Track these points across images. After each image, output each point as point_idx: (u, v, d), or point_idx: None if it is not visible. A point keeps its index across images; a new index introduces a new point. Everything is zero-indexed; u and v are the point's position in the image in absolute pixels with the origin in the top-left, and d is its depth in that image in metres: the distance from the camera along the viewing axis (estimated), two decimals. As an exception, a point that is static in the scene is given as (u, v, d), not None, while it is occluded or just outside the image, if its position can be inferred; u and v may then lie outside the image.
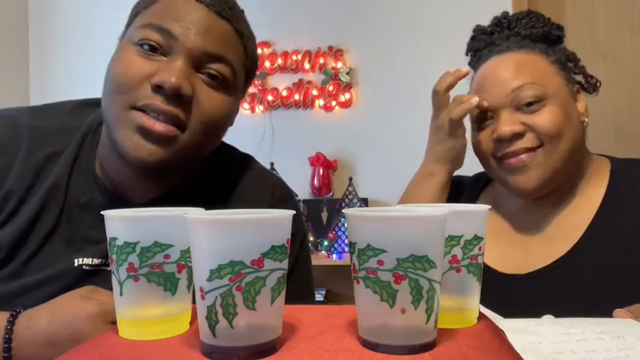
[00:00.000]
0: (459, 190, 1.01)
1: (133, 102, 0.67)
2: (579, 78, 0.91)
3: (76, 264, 0.71)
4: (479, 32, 0.97)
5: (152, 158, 0.67)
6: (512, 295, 0.83)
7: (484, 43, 0.95)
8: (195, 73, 0.69)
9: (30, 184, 0.73)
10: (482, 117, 0.88)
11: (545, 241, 0.88)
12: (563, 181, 0.87)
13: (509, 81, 0.84)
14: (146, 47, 0.68)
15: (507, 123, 0.83)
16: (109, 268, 0.72)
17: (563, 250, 0.84)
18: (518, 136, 0.83)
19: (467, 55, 1.01)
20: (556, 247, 0.85)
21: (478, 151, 0.91)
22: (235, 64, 0.73)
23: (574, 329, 0.49)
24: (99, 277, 0.71)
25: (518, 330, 0.48)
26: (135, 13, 0.74)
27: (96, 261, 0.72)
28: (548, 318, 0.58)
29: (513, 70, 0.85)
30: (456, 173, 1.01)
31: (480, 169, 0.96)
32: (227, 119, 0.76)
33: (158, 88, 0.66)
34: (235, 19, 0.73)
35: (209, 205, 0.60)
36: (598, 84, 0.92)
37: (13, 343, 0.58)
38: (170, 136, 0.67)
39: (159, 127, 0.66)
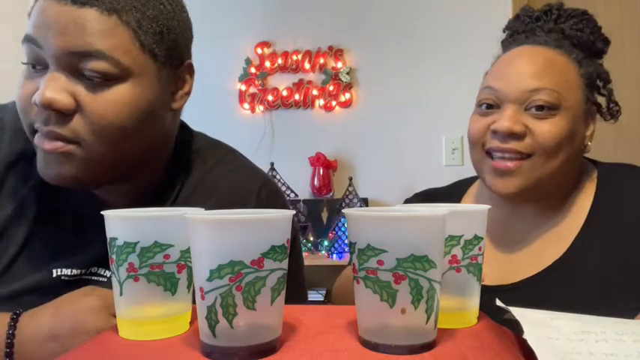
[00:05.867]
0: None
1: (31, 126, 0.64)
2: (600, 100, 0.87)
3: (54, 275, 0.69)
4: (525, 13, 0.91)
5: (61, 177, 0.64)
6: (495, 306, 0.80)
7: (524, 26, 0.90)
8: (75, 80, 0.62)
9: (3, 186, 0.71)
10: (490, 103, 0.83)
11: (531, 250, 0.85)
12: (549, 192, 0.84)
13: (530, 79, 0.79)
14: (30, 66, 0.63)
15: (509, 119, 0.79)
16: (89, 278, 0.71)
17: (550, 260, 0.81)
18: (514, 135, 0.79)
19: (504, 32, 0.96)
20: (542, 256, 0.83)
21: (470, 137, 0.86)
22: (114, 51, 0.61)
23: (594, 328, 0.46)
24: (79, 286, 0.68)
25: (535, 321, 0.47)
26: None
27: (75, 271, 0.70)
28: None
29: (539, 69, 0.80)
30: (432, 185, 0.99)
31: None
32: (134, 111, 0.64)
33: (39, 107, 0.61)
34: None
35: (192, 205, 0.59)
36: (619, 113, 0.88)
37: (15, 339, 0.58)
38: (62, 152, 0.63)
39: (48, 145, 0.62)
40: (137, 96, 0.64)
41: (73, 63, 0.61)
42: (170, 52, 0.68)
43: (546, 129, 0.78)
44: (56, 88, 0.60)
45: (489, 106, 0.83)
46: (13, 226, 0.70)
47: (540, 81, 0.79)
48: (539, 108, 0.78)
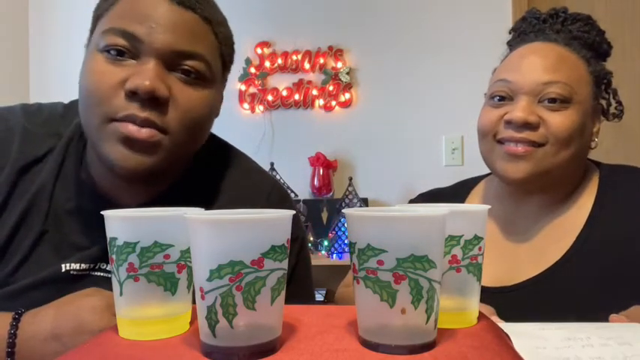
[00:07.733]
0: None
1: (111, 114, 0.65)
2: (602, 102, 0.90)
3: (63, 269, 0.70)
4: (531, 15, 0.94)
5: (141, 167, 0.66)
6: (498, 308, 0.77)
7: (532, 27, 0.92)
8: (169, 73, 0.66)
9: (14, 189, 0.72)
10: (502, 95, 0.85)
11: (533, 247, 0.86)
12: (555, 184, 0.85)
13: (544, 72, 0.82)
14: (113, 52, 0.65)
15: (524, 110, 0.81)
16: (97, 274, 0.71)
17: (552, 259, 0.82)
18: (528, 125, 0.81)
19: (510, 33, 0.98)
20: (545, 254, 0.83)
21: (481, 128, 0.88)
22: (209, 56, 0.69)
23: (580, 334, 0.48)
24: (87, 281, 0.70)
25: (522, 334, 0.48)
26: (97, 17, 0.70)
27: (84, 266, 0.71)
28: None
29: (552, 63, 0.82)
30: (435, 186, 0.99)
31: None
32: (209, 114, 0.73)
33: (132, 94, 0.64)
34: (201, 6, 0.68)
35: (203, 208, 0.60)
36: (622, 113, 0.90)
37: (17, 338, 0.58)
38: (154, 141, 0.65)
39: (143, 133, 0.64)
40: (211, 98, 0.71)
41: (173, 59, 0.66)
42: (227, 67, 0.77)
43: (559, 120, 0.80)
44: (158, 79, 0.64)
45: (502, 98, 0.85)
46: (24, 226, 0.71)
47: (553, 74, 0.81)
48: (552, 100, 0.81)
